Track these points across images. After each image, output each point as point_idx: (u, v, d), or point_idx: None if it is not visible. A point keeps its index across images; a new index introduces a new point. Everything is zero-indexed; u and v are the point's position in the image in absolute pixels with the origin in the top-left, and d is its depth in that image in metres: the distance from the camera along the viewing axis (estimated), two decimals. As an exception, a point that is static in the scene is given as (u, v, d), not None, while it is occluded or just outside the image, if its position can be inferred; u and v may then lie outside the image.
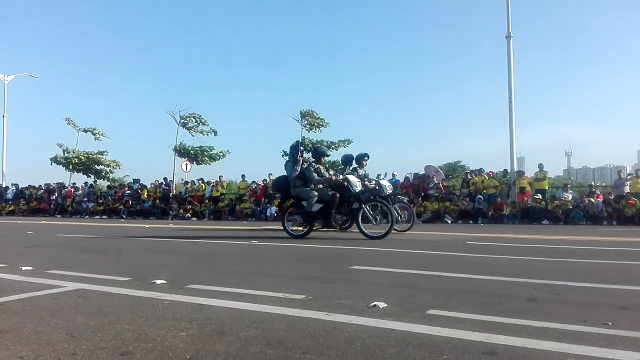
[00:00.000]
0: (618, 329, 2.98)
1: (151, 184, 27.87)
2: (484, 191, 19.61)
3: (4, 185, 32.53)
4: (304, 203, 10.46)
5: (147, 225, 16.54)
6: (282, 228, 10.97)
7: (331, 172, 11.54)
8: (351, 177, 10.52)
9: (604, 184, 29.81)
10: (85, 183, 32.15)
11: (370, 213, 10.23)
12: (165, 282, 4.71)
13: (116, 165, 34.10)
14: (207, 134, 30.90)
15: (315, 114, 29.39)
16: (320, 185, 10.57)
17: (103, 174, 34.07)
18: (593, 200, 17.86)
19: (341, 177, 10.67)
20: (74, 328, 3.10)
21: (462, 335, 2.87)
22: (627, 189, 18.43)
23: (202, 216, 23.64)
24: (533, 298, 3.98)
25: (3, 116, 34.25)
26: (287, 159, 11.17)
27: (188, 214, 23.84)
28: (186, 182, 28.20)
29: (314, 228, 10.65)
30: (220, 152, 31.26)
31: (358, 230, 10.26)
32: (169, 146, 30.48)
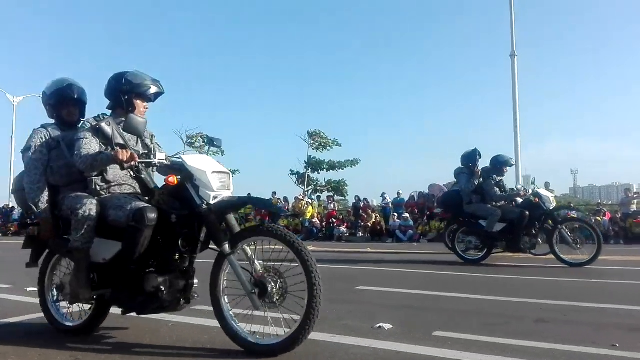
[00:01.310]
0: (626, 350, 2.95)
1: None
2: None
3: (10, 206, 32.60)
4: (482, 222, 8.84)
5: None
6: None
7: (519, 186, 9.79)
8: (543, 192, 9.09)
9: (610, 202, 29.63)
10: None
11: (568, 234, 8.51)
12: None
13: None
14: (215, 154, 31.13)
15: (322, 134, 29.53)
16: (503, 202, 9.10)
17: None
18: (600, 219, 17.74)
19: (530, 191, 9.19)
20: (79, 351, 3.09)
21: (467, 357, 2.84)
22: (634, 207, 18.32)
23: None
24: (540, 319, 3.94)
25: (12, 137, 34.57)
26: (460, 170, 9.38)
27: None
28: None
29: (493, 252, 8.97)
30: (230, 171, 31.35)
31: (551, 255, 8.50)
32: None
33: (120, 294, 3.16)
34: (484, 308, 4.55)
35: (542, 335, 3.35)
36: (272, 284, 2.97)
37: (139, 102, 3.41)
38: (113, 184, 3.36)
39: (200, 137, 30.75)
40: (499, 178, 9.29)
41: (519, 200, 9.17)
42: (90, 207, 3.13)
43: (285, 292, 2.97)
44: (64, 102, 3.57)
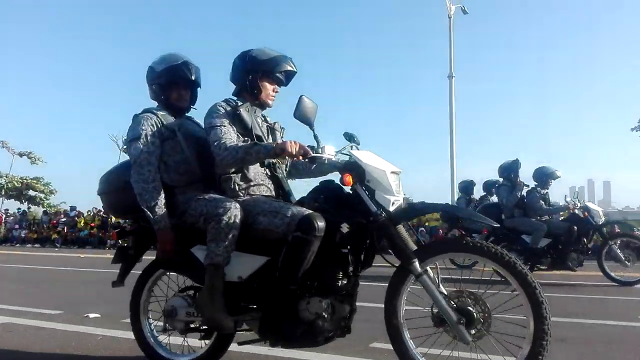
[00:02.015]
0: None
1: (88, 211, 26.81)
2: (427, 223, 20.10)
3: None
4: (525, 237, 8.18)
5: (82, 255, 15.77)
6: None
7: (568, 199, 8.94)
8: (592, 206, 8.54)
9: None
10: (18, 209, 30.51)
11: (618, 251, 7.95)
12: (99, 315, 4.50)
13: (50, 191, 32.63)
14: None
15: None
16: (547, 216, 8.48)
17: (37, 200, 32.46)
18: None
19: (579, 205, 8.55)
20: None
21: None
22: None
23: (142, 246, 22.91)
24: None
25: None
26: (501, 182, 8.86)
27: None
28: (127, 211, 27.29)
29: (535, 268, 8.12)
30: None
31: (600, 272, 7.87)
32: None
33: (273, 322, 2.53)
34: (422, 319, 4.63)
35: (472, 347, 3.44)
36: (474, 310, 2.38)
37: (266, 83, 2.80)
38: (252, 184, 2.75)
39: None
40: (544, 191, 8.65)
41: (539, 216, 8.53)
42: (234, 212, 2.53)
43: (488, 321, 2.37)
44: (176, 83, 2.91)
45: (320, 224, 2.40)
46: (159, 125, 2.78)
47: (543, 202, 8.36)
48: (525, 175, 8.77)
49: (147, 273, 3.04)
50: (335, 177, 2.69)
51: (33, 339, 3.60)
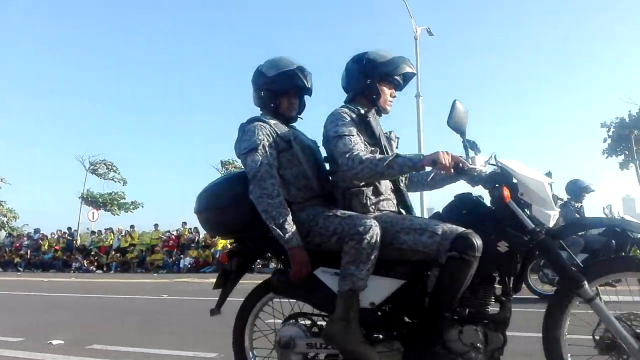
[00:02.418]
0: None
1: (52, 234, 26.09)
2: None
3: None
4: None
5: (46, 279, 15.29)
6: (196, 280, 10.47)
7: (606, 211, 8.51)
8: (629, 219, 7.73)
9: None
10: None
11: None
12: (62, 342, 4.37)
13: (13, 216, 31.67)
14: (119, 182, 29.75)
15: (236, 163, 29.28)
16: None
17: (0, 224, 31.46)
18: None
19: (617, 216, 8.18)
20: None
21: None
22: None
23: (108, 269, 22.30)
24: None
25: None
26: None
27: (93, 267, 22.39)
28: (92, 232, 26.65)
29: None
30: (132, 203, 30.07)
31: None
32: (75, 194, 28.88)
33: (419, 355, 2.27)
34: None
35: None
36: None
37: (384, 88, 2.56)
38: (382, 198, 2.51)
39: (104, 164, 29.29)
40: (578, 204, 8.36)
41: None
42: (375, 230, 2.27)
43: None
44: (288, 90, 2.66)
45: (479, 242, 2.18)
46: (274, 136, 2.52)
47: (578, 216, 8.03)
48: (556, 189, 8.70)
49: (252, 300, 2.75)
50: (459, 187, 2.49)
51: (-8, 369, 3.46)
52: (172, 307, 7.76)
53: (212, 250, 21.15)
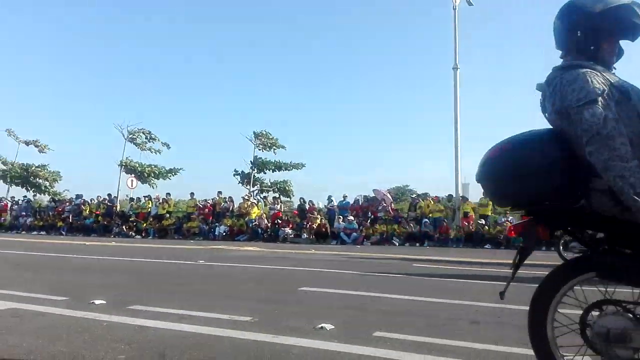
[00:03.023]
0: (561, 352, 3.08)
1: (92, 199, 26.92)
2: (430, 215, 20.10)
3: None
4: None
5: (87, 243, 15.88)
6: (231, 247, 10.66)
7: None
8: None
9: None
10: (24, 197, 30.63)
11: None
12: (104, 302, 4.53)
13: (54, 178, 32.69)
14: (157, 152, 30.27)
15: (269, 135, 29.38)
16: None
17: (42, 188, 32.56)
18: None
19: None
20: (5, 350, 2.92)
21: (406, 357, 2.90)
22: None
23: (146, 234, 22.97)
24: (476, 321, 4.07)
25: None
26: None
27: (132, 232, 23.12)
28: (131, 199, 27.38)
29: None
30: (170, 171, 30.62)
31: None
32: (115, 162, 29.62)
33: None
34: (423, 309, 4.66)
35: (477, 336, 3.46)
36: None
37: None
38: None
39: (143, 132, 29.81)
40: None
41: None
42: None
43: None
44: (615, 30, 2.16)
45: None
46: (608, 85, 2.04)
47: None
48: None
49: (552, 288, 2.29)
50: None
51: (40, 325, 3.63)
52: (209, 272, 7.95)
53: (246, 219, 21.51)
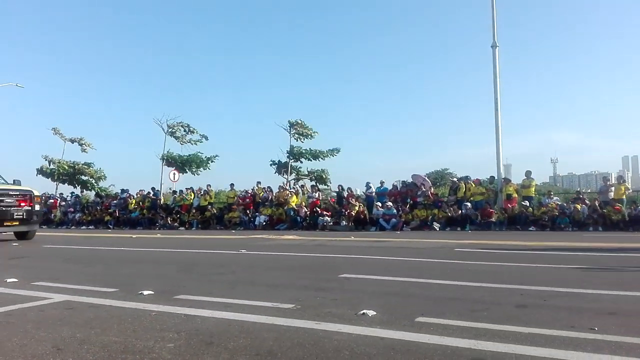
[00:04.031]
0: (605, 334, 3.01)
1: (137, 193, 27.71)
2: (471, 198, 19.72)
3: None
4: None
5: (134, 236, 16.39)
6: (271, 236, 10.78)
7: None
8: None
9: (589, 190, 30.14)
10: (72, 193, 31.81)
11: None
12: (152, 292, 4.67)
13: (100, 176, 33.80)
14: (196, 143, 30.83)
15: (304, 124, 29.44)
16: None
17: (88, 184, 33.73)
18: (579, 206, 18.04)
19: None
20: (60, 341, 3.06)
21: (450, 342, 2.87)
22: (612, 194, 18.66)
23: (189, 226, 23.50)
24: (521, 304, 4.00)
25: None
26: None
27: (176, 224, 23.67)
28: (174, 192, 28.04)
29: None
30: (209, 158, 31.13)
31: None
32: (156, 155, 30.35)
33: None
34: (466, 294, 4.60)
35: (522, 320, 3.40)
36: None
37: None
38: None
39: (181, 126, 30.36)
40: None
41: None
42: None
43: None
44: None
45: None
46: None
47: None
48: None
49: None
50: None
51: (92, 316, 3.77)
52: (250, 260, 8.07)
53: (285, 208, 21.68)
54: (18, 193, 13.79)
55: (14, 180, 18.49)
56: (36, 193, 14.30)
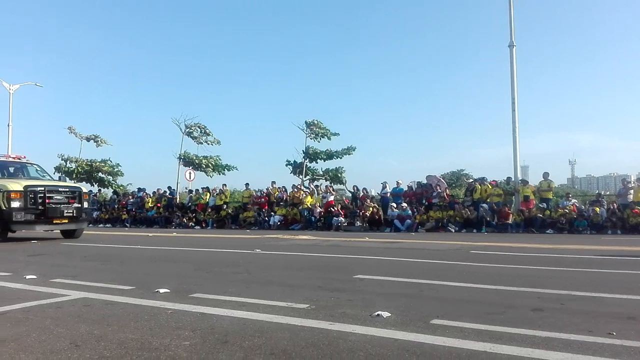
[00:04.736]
0: (623, 339, 2.96)
1: (154, 192, 27.97)
2: (488, 200, 19.55)
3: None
4: None
5: (150, 234, 16.56)
6: (286, 236, 10.79)
7: None
8: None
9: (608, 193, 29.68)
10: (89, 191, 32.20)
11: None
12: (168, 291, 4.72)
13: (117, 171, 34.18)
14: (212, 144, 31.09)
15: (320, 124, 29.47)
16: None
17: (105, 182, 34.12)
18: (597, 209, 17.77)
19: None
20: (78, 337, 3.10)
21: (466, 345, 2.86)
22: (631, 197, 18.35)
23: (205, 225, 23.67)
24: (538, 308, 3.96)
25: (8, 125, 34.38)
26: None
27: (191, 223, 23.87)
28: (190, 191, 28.26)
29: None
30: (226, 166, 31.38)
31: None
32: (173, 155, 30.63)
33: None
34: (482, 297, 4.57)
35: (539, 324, 3.36)
36: None
37: None
38: None
39: (199, 127, 30.60)
40: None
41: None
42: None
43: None
44: None
45: None
46: None
47: None
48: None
49: None
50: None
51: (109, 313, 3.82)
52: (265, 260, 8.10)
53: (299, 208, 21.72)
54: (67, 190, 13.45)
55: (59, 177, 18.25)
56: (84, 190, 14.00)
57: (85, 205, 13.67)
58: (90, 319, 3.63)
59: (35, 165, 15.04)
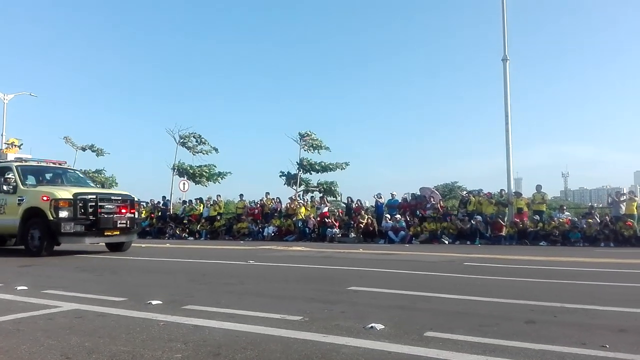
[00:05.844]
0: (616, 351, 2.97)
1: (147, 203, 27.84)
2: (482, 212, 19.62)
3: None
4: None
5: (143, 245, 16.43)
6: (280, 248, 10.72)
7: None
8: None
9: (601, 205, 29.83)
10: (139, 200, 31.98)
11: None
12: (160, 302, 4.68)
13: (110, 184, 34.07)
14: (207, 153, 31.06)
15: (314, 136, 29.57)
16: None
17: (100, 192, 34.06)
18: (591, 221, 17.86)
19: None
20: (69, 349, 3.07)
21: (459, 357, 2.85)
22: (623, 209, 18.46)
23: (199, 236, 23.57)
24: (531, 320, 3.96)
25: (2, 135, 34.25)
26: None
27: (185, 234, 23.76)
28: (184, 202, 28.17)
29: None
30: (221, 173, 31.34)
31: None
32: (167, 165, 30.55)
33: None
34: (475, 309, 4.56)
35: (532, 336, 3.37)
36: None
37: None
38: None
39: (193, 136, 30.57)
40: None
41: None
42: None
43: None
44: None
45: None
46: None
47: None
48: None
49: None
50: None
51: (101, 325, 3.79)
52: (259, 272, 8.07)
53: (294, 220, 21.68)
54: (120, 198, 11.96)
55: (102, 184, 16.97)
56: (136, 199, 12.68)
57: (136, 215, 12.44)
58: (82, 330, 3.59)
59: (77, 172, 14.02)
